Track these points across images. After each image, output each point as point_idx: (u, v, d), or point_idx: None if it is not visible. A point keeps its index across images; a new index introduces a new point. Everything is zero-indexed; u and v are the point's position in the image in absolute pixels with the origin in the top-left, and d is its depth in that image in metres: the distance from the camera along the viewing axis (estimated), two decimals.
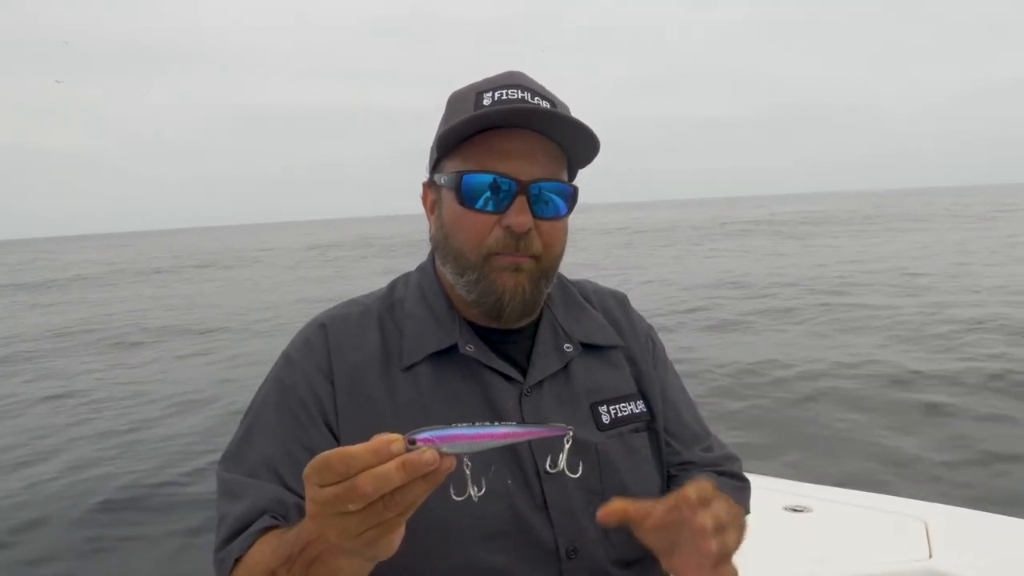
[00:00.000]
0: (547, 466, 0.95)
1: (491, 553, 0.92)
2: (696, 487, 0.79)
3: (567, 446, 0.82)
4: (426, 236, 1.07)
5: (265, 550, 0.83)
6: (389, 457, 0.60)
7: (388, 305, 1.05)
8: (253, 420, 0.99)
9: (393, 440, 0.61)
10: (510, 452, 0.95)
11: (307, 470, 0.63)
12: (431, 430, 0.63)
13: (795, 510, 2.20)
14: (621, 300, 1.18)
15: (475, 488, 0.76)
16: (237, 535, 0.88)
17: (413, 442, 0.61)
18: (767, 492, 2.31)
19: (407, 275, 1.11)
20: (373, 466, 0.60)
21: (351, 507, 0.61)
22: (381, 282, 1.13)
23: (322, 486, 0.62)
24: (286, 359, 1.02)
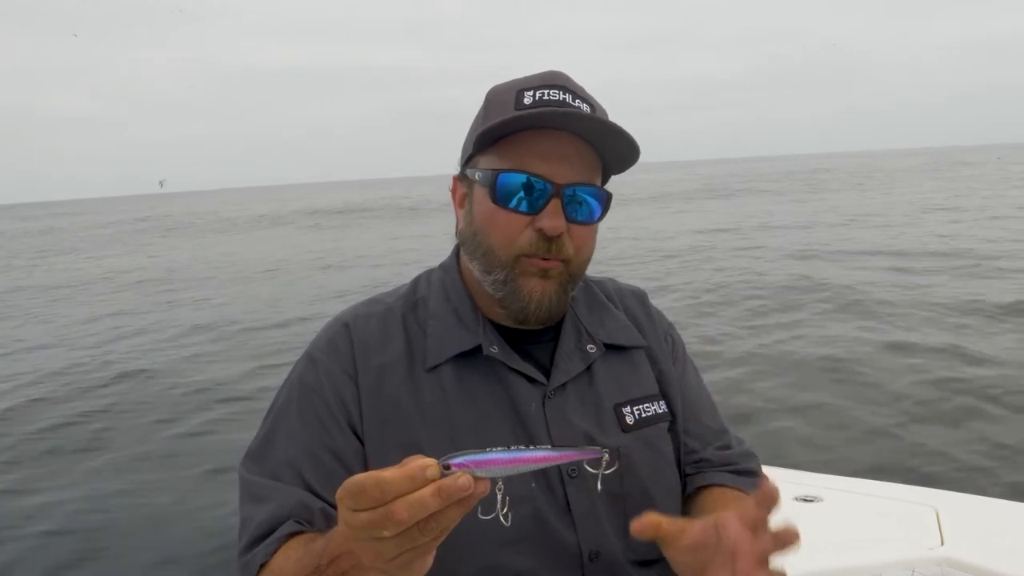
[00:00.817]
0: (569, 471, 0.96)
1: (515, 556, 0.92)
2: (741, 512, 0.79)
3: (603, 469, 0.83)
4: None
5: (291, 556, 0.83)
6: (424, 483, 0.60)
7: (411, 304, 1.05)
8: (276, 421, 0.98)
9: (428, 465, 0.60)
10: None
11: (340, 492, 0.63)
12: (466, 455, 0.63)
13: (806, 500, 2.20)
14: (641, 298, 1.18)
15: (503, 509, 0.75)
16: (261, 540, 0.88)
17: (448, 467, 0.61)
18: (777, 482, 2.31)
19: (429, 272, 1.10)
20: (408, 492, 0.60)
21: (386, 533, 0.61)
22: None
23: (356, 510, 0.62)
24: (309, 359, 1.01)
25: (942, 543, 1.87)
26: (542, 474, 0.95)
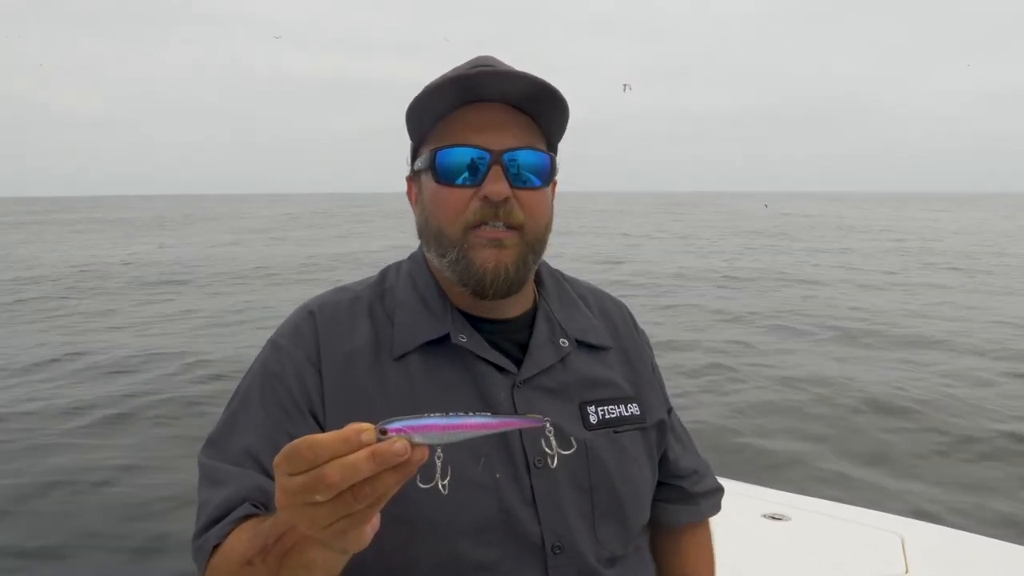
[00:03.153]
0: (535, 462, 0.94)
1: (477, 547, 0.91)
2: None
3: (551, 437, 0.80)
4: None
5: (243, 538, 0.82)
6: (359, 446, 0.58)
7: (379, 293, 1.03)
8: (238, 408, 0.97)
9: (363, 429, 0.59)
10: (503, 445, 0.94)
11: (277, 458, 0.61)
12: (403, 420, 0.61)
13: (773, 518, 2.20)
14: (621, 306, 1.18)
15: (443, 479, 0.73)
16: (217, 522, 0.87)
17: (384, 432, 0.59)
18: (745, 499, 2.31)
19: (399, 263, 1.09)
20: (342, 455, 0.58)
21: (319, 497, 0.59)
22: None
23: (291, 475, 0.60)
24: (273, 346, 1.00)
25: (907, 570, 1.88)
26: (510, 463, 0.94)
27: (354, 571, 0.88)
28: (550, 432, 0.75)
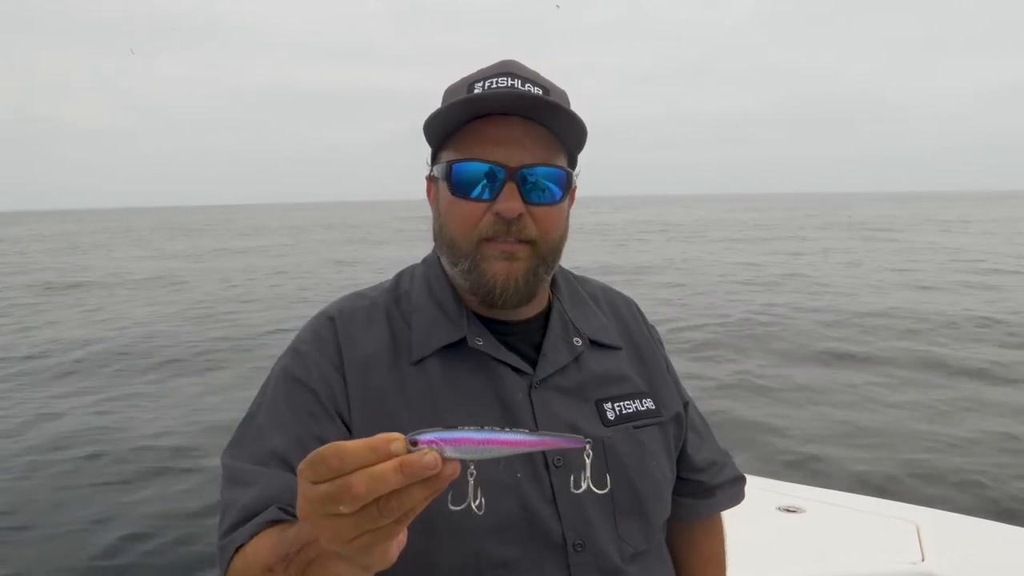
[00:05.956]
0: (554, 460, 0.95)
1: (499, 545, 0.91)
2: None
3: (588, 461, 0.76)
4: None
5: (266, 544, 0.80)
6: (387, 456, 0.55)
7: (395, 298, 1.04)
8: (261, 412, 0.96)
9: (394, 439, 0.56)
10: None
11: (301, 465, 0.59)
12: (436, 432, 0.57)
13: (788, 510, 2.20)
14: (630, 302, 1.19)
15: (475, 500, 0.69)
16: (243, 523, 0.85)
17: (415, 443, 0.56)
18: (760, 492, 2.32)
19: (412, 268, 1.10)
20: (370, 464, 0.55)
21: (343, 508, 0.56)
22: None
23: (314, 483, 0.58)
24: (294, 352, 1.00)
25: (923, 559, 1.88)
26: (528, 462, 0.94)
27: None
28: (588, 456, 0.73)
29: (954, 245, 23.78)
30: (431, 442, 0.56)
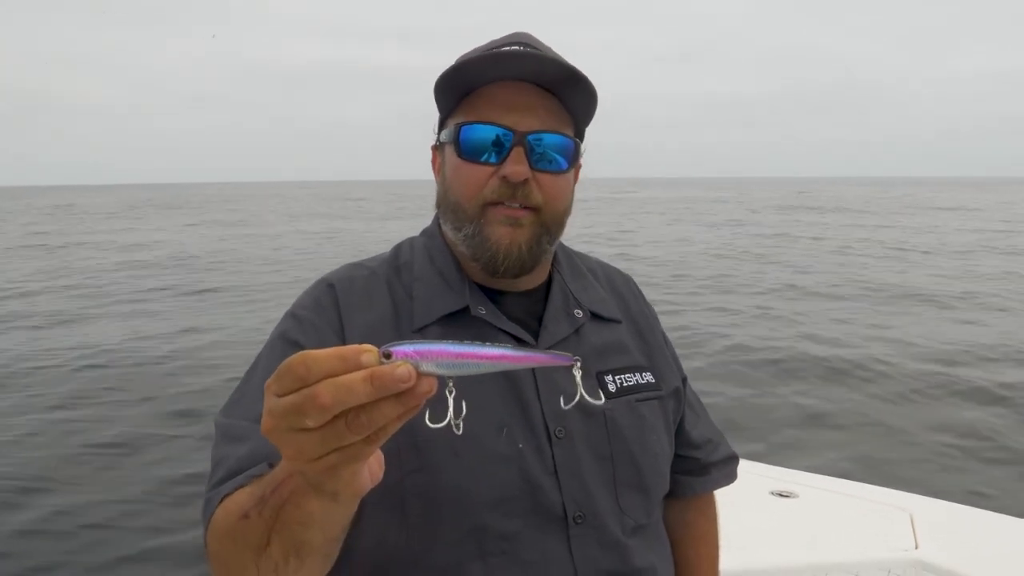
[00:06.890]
0: (556, 432, 0.94)
1: (501, 518, 0.91)
2: None
3: (578, 378, 0.71)
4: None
5: (246, 491, 0.77)
6: (357, 367, 0.52)
7: (395, 268, 1.04)
8: (257, 375, 0.95)
9: (365, 350, 0.52)
10: (522, 414, 0.93)
11: (268, 379, 0.55)
12: (413, 343, 0.53)
13: (781, 495, 2.20)
14: (627, 278, 1.19)
15: (456, 418, 0.63)
16: (233, 477, 0.83)
17: (389, 355, 0.52)
18: (754, 476, 2.31)
19: (411, 239, 1.09)
20: (338, 374, 0.52)
21: (309, 422, 0.53)
22: None
23: (280, 395, 0.54)
24: (292, 316, 0.99)
25: (916, 546, 1.87)
26: (531, 434, 0.93)
27: (376, 544, 0.88)
28: (578, 372, 0.68)
29: None
30: (406, 355, 0.53)
